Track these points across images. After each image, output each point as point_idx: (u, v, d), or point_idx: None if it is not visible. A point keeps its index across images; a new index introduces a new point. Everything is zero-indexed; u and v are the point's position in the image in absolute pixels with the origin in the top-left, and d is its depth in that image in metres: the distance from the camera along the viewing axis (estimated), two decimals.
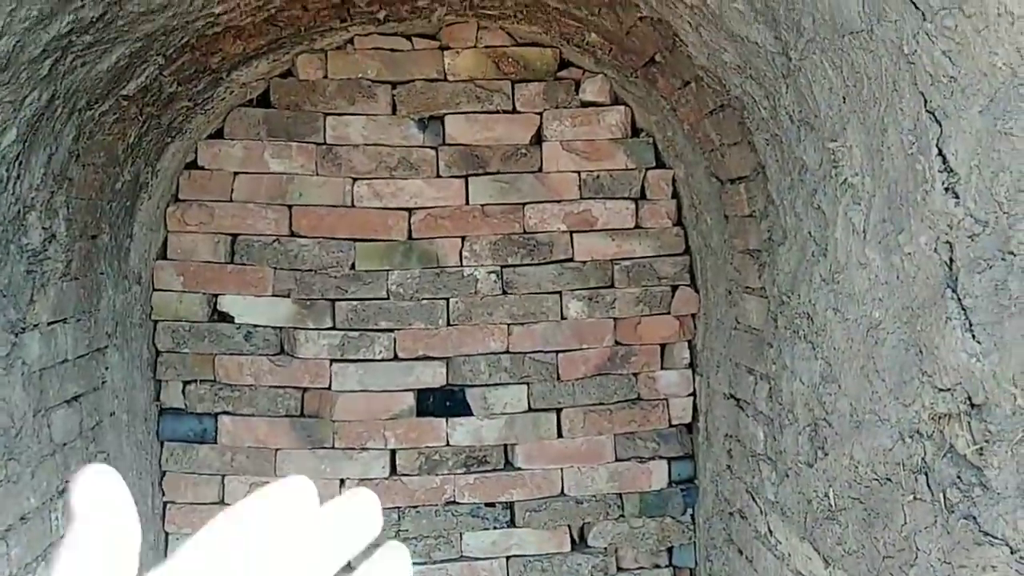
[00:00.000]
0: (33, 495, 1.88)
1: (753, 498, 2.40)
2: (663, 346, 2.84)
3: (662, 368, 2.83)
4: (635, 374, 2.82)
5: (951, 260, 1.41)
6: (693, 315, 2.83)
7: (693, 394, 2.86)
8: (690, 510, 2.86)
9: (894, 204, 1.57)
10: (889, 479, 1.64)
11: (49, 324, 1.98)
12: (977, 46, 1.22)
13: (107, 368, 2.32)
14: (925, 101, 1.39)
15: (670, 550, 2.87)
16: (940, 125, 1.37)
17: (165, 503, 2.66)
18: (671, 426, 2.85)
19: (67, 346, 2.08)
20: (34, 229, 1.88)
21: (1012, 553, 1.30)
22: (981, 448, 1.37)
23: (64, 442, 2.04)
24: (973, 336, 1.36)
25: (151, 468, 2.61)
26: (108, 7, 1.60)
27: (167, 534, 2.67)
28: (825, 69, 1.66)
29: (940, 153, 1.39)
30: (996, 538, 1.33)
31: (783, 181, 2.05)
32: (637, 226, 2.79)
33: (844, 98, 1.65)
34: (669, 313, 2.82)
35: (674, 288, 2.81)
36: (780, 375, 2.17)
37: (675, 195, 2.80)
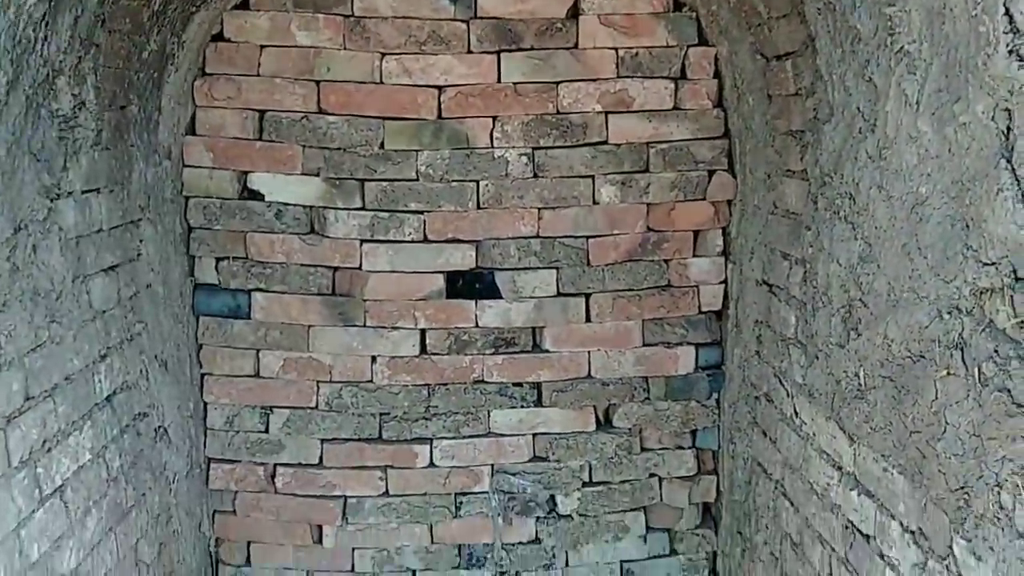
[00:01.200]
0: (76, 357, 1.94)
1: (781, 381, 2.42)
2: (696, 233, 2.80)
3: (694, 255, 2.81)
4: (666, 260, 2.80)
5: (1008, 128, 1.34)
6: (729, 201, 2.77)
7: (725, 281, 2.84)
8: (715, 395, 2.90)
9: (952, 72, 1.48)
10: (923, 356, 1.63)
11: (83, 192, 1.99)
12: None
13: (141, 241, 2.34)
14: None
15: (694, 433, 2.93)
16: None
17: (203, 375, 2.75)
18: (700, 313, 2.85)
19: (102, 216, 2.09)
20: (64, 94, 1.85)
21: None
22: (1022, 322, 1.34)
23: (103, 309, 2.09)
24: None
25: (188, 341, 2.68)
26: None
27: (205, 404, 2.77)
28: None
29: (1007, 12, 1.30)
30: None
31: (834, 53, 1.95)
32: (675, 107, 2.70)
33: None
34: (705, 199, 2.76)
35: (711, 173, 2.75)
36: (816, 258, 2.14)
37: (717, 75, 2.69)
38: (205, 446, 2.77)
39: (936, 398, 1.59)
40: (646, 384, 2.86)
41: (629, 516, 2.93)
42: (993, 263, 1.40)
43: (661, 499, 2.94)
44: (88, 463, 1.98)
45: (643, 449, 2.91)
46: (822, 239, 2.10)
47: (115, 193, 2.17)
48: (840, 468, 2.03)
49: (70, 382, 1.91)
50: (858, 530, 1.92)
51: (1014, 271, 1.35)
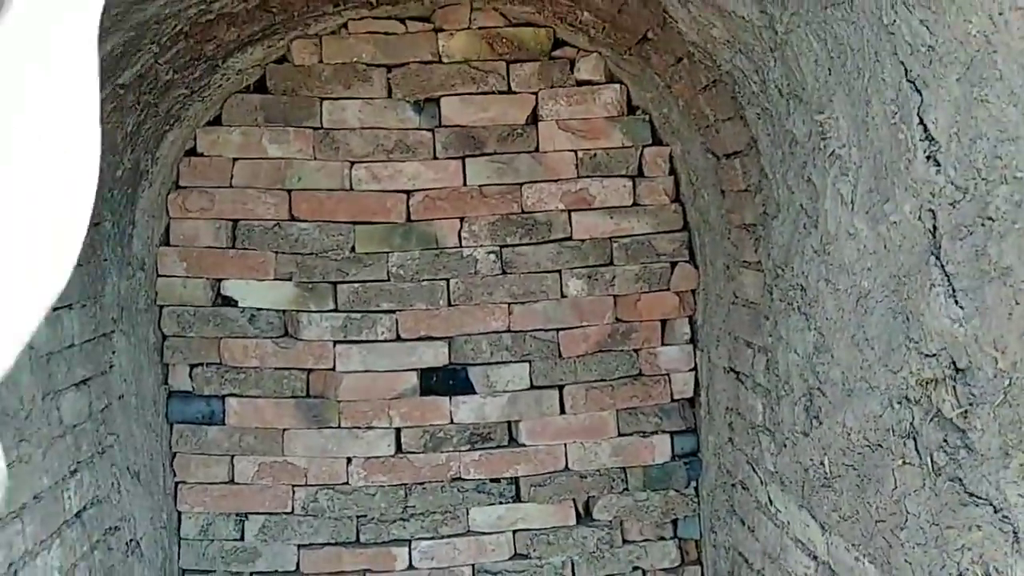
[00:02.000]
0: (45, 475, 1.93)
1: (754, 469, 2.43)
2: (664, 322, 2.86)
3: (663, 344, 2.86)
4: (636, 350, 2.85)
5: (934, 227, 1.42)
6: (693, 291, 2.85)
7: (695, 369, 2.89)
8: (694, 482, 2.90)
9: (880, 174, 1.58)
10: (880, 445, 1.67)
11: (55, 310, 2.03)
12: (952, 14, 1.23)
13: (114, 352, 2.37)
14: (906, 71, 1.40)
15: (675, 522, 2.91)
16: (920, 94, 1.38)
17: (177, 483, 2.73)
18: (673, 401, 2.88)
19: (73, 331, 2.12)
20: None
21: (996, 512, 1.32)
22: (965, 411, 1.39)
23: (74, 424, 2.10)
24: (956, 302, 1.38)
25: (162, 449, 2.67)
26: None
27: (179, 513, 2.73)
28: (810, 42, 1.66)
29: (921, 122, 1.40)
30: (980, 498, 1.35)
31: (775, 154, 2.06)
32: (635, 203, 2.80)
33: (829, 70, 1.66)
34: (669, 289, 2.84)
35: (673, 264, 2.83)
36: (776, 347, 2.20)
37: (672, 172, 2.81)
38: (179, 557, 2.72)
39: (896, 487, 1.62)
40: (624, 475, 2.86)
41: None
42: (934, 354, 1.46)
43: None
44: None
45: (625, 542, 2.88)
46: (779, 329, 2.16)
47: (87, 307, 2.21)
48: (815, 557, 2.03)
49: (38, 500, 1.90)
50: None
51: (953, 363, 1.40)
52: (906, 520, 1.58)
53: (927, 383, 1.49)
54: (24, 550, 1.82)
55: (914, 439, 1.55)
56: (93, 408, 2.22)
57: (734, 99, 2.15)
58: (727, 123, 2.30)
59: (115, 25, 1.81)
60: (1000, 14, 1.14)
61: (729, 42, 1.96)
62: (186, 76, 2.27)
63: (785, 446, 2.17)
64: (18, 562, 1.79)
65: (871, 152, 1.60)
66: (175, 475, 2.72)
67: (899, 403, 1.59)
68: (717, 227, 2.63)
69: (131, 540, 2.40)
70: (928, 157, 1.40)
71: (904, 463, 1.58)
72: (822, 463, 1.96)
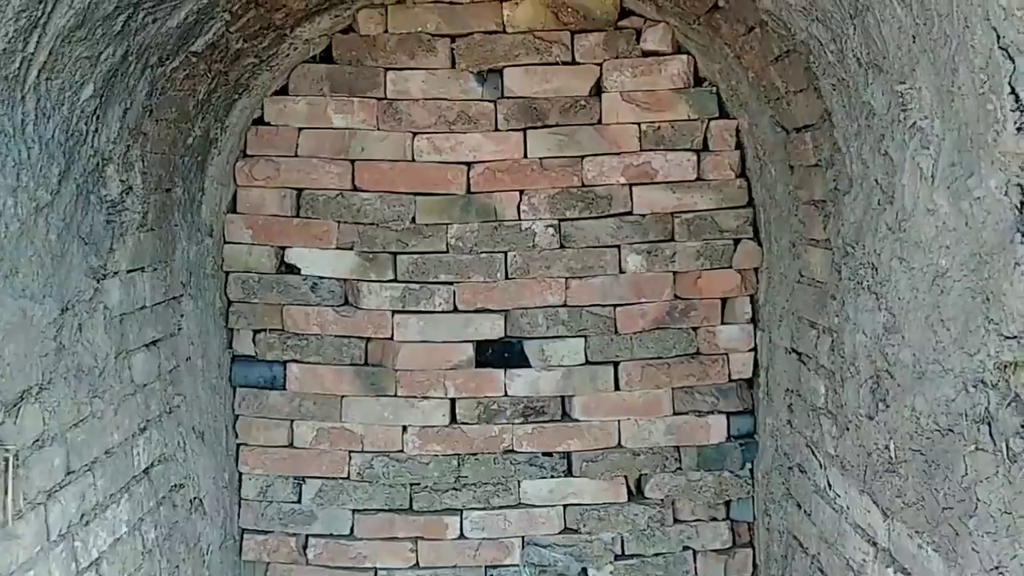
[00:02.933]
0: (116, 431, 2.01)
1: (813, 452, 2.38)
2: (724, 300, 2.81)
3: (723, 323, 2.81)
4: (694, 328, 2.81)
5: (1022, 203, 1.36)
6: (756, 269, 2.79)
7: (754, 349, 2.83)
8: (749, 464, 2.85)
9: (964, 147, 1.51)
10: (951, 430, 1.61)
11: (128, 272, 2.10)
12: None
13: (182, 316, 2.44)
14: (998, 37, 1.33)
15: (728, 504, 2.88)
16: (1013, 61, 1.31)
17: (238, 445, 2.80)
18: (731, 381, 2.83)
19: (145, 293, 2.19)
20: (112, 181, 1.97)
21: None
22: None
23: (144, 383, 2.17)
24: None
25: (225, 412, 2.74)
26: None
27: (240, 474, 2.81)
28: (894, 7, 1.59)
29: (1013, 91, 1.32)
30: None
31: (850, 127, 1.99)
32: (699, 178, 2.75)
33: (914, 37, 1.58)
34: (731, 267, 2.78)
35: (736, 241, 2.77)
36: (843, 327, 2.14)
37: (739, 146, 2.75)
38: (239, 517, 2.81)
39: (966, 474, 1.56)
40: (678, 454, 2.84)
41: None
42: (1015, 336, 1.40)
43: (696, 573, 2.87)
44: (124, 536, 2.02)
45: (676, 521, 2.87)
46: (847, 309, 2.10)
47: (158, 271, 2.28)
48: (875, 544, 1.99)
49: (109, 456, 1.98)
50: None
51: None
52: (976, 508, 1.52)
53: (1006, 366, 1.43)
54: (95, 502, 1.90)
55: (988, 424, 1.48)
56: (162, 368, 2.29)
57: (808, 70, 2.08)
58: (799, 95, 2.23)
59: None
60: None
61: (805, 9, 1.89)
62: (255, 45, 2.30)
63: (848, 429, 2.12)
64: (89, 513, 1.87)
65: (956, 124, 1.52)
66: (237, 437, 2.80)
67: (974, 387, 1.53)
68: (784, 203, 2.56)
69: (194, 498, 2.49)
70: (1019, 128, 1.33)
71: (977, 449, 1.52)
72: (887, 447, 1.90)
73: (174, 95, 2.15)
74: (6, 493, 1.56)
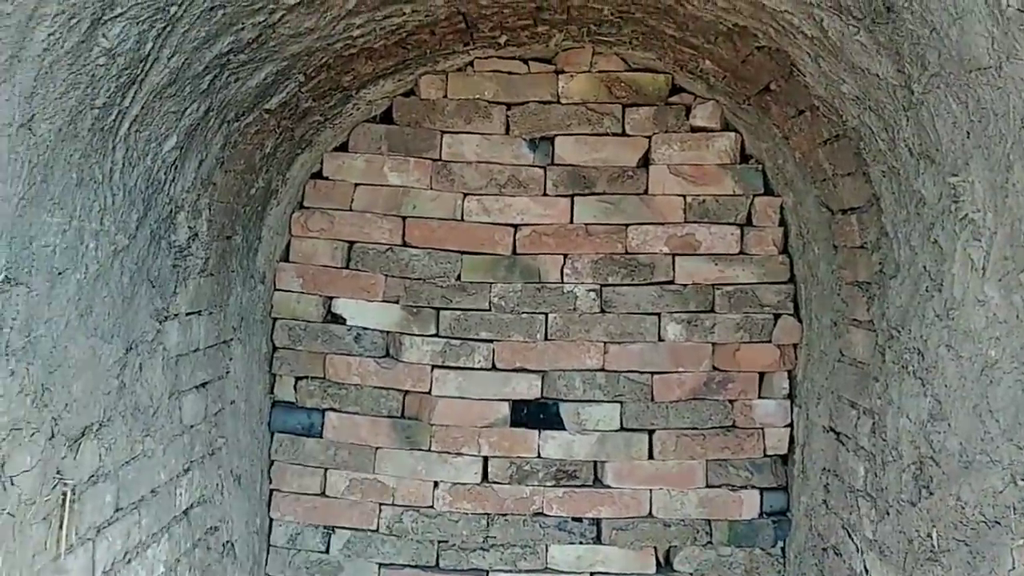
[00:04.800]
0: (163, 471, 2.05)
1: (849, 535, 2.36)
2: (762, 375, 2.82)
3: (760, 397, 2.81)
4: (731, 401, 2.81)
5: None
6: (795, 345, 2.80)
7: (791, 425, 2.82)
8: (781, 543, 2.82)
9: (1017, 241, 1.54)
10: (998, 521, 1.60)
11: (187, 315, 2.17)
12: None
13: (231, 359, 2.50)
14: None
15: None
16: None
17: (272, 490, 2.83)
18: (766, 456, 2.82)
19: (200, 336, 2.26)
20: (182, 227, 2.06)
21: None
22: None
23: (192, 424, 2.22)
24: None
25: (262, 456, 2.78)
26: (263, 30, 1.76)
27: (271, 520, 2.83)
28: (949, 104, 1.65)
29: None
30: None
31: (899, 214, 2.03)
32: (741, 252, 2.79)
33: (968, 133, 1.63)
34: (770, 342, 2.80)
35: (777, 316, 2.80)
36: (885, 410, 2.14)
37: (782, 223, 2.79)
38: (267, 563, 2.81)
39: (1013, 567, 1.55)
40: (709, 527, 2.81)
41: None
42: None
43: None
44: None
45: None
46: (891, 392, 2.10)
47: (214, 315, 2.35)
48: None
49: (155, 495, 2.01)
50: None
51: None
52: None
53: None
54: (138, 541, 1.93)
55: None
56: (209, 411, 2.34)
57: (857, 155, 2.13)
58: (847, 178, 2.28)
59: (271, 55, 1.95)
60: None
61: (858, 98, 1.95)
62: (322, 104, 2.41)
63: (888, 514, 2.10)
64: (132, 552, 1.90)
65: (1009, 219, 1.56)
66: (271, 483, 2.83)
67: (1022, 480, 1.53)
68: (826, 282, 2.59)
69: (227, 541, 2.51)
70: None
71: None
72: (930, 535, 1.88)
73: (244, 148, 2.26)
74: (61, 527, 1.60)
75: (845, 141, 2.18)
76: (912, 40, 1.65)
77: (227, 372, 2.47)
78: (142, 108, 1.65)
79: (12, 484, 1.41)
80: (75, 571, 1.65)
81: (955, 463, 1.77)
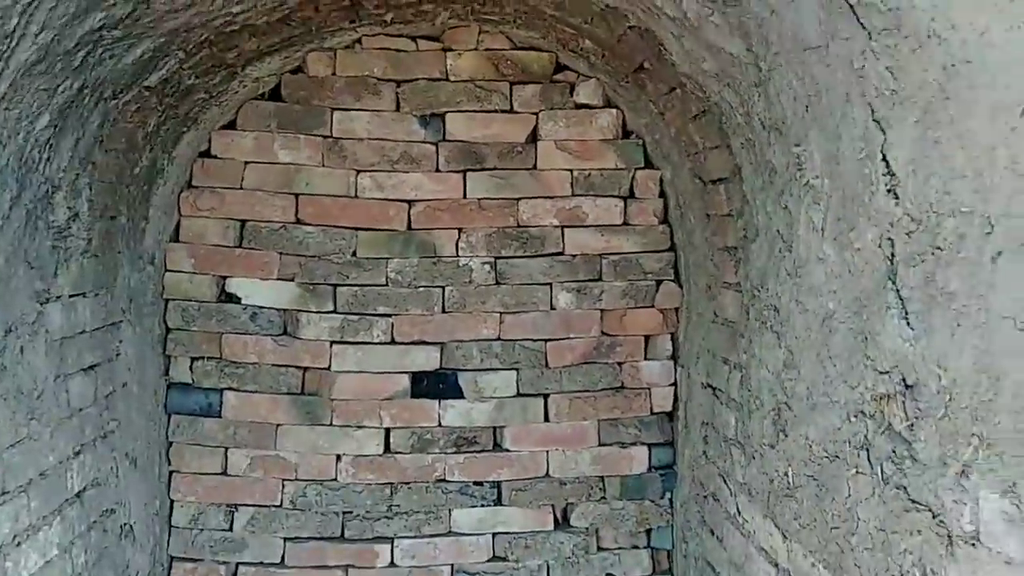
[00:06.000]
0: (52, 454, 2.04)
1: (724, 481, 2.55)
2: (647, 338, 2.99)
3: (645, 359, 2.98)
4: (620, 363, 2.97)
5: (892, 255, 1.56)
6: (676, 309, 2.97)
7: (674, 384, 3.01)
8: (668, 494, 3.01)
9: (847, 204, 1.71)
10: (837, 456, 1.79)
11: (71, 297, 2.14)
12: (912, 63, 1.37)
13: (121, 342, 2.48)
14: (872, 111, 1.54)
15: (648, 532, 3.02)
16: (884, 133, 1.52)
17: (171, 472, 2.82)
18: (653, 414, 3.00)
19: (86, 318, 2.23)
20: (60, 207, 2.03)
21: (934, 518, 1.44)
22: (912, 424, 1.51)
23: (80, 407, 2.20)
24: (908, 323, 1.51)
25: (159, 438, 2.77)
26: (137, 5, 1.76)
27: (172, 501, 2.83)
28: (790, 80, 1.80)
29: (884, 159, 1.53)
30: (921, 505, 1.48)
31: (756, 182, 2.20)
32: (625, 223, 2.94)
33: (806, 107, 1.80)
34: (653, 306, 2.96)
35: (659, 283, 2.96)
36: (750, 364, 2.32)
37: (662, 194, 2.95)
38: (168, 544, 2.81)
39: (849, 495, 1.74)
40: (602, 483, 2.97)
41: None
42: (887, 372, 1.59)
43: None
44: (55, 558, 2.04)
45: (600, 548, 2.99)
46: (754, 346, 2.29)
47: (100, 297, 2.32)
48: (777, 565, 2.15)
49: (44, 478, 2.00)
50: None
51: (903, 379, 1.53)
52: (857, 526, 1.70)
53: (881, 398, 1.62)
54: (28, 524, 1.92)
55: (867, 450, 1.67)
56: (99, 393, 2.32)
57: (721, 129, 2.29)
58: (714, 151, 2.44)
59: (147, 31, 1.94)
60: (952, 65, 1.28)
61: (718, 75, 2.10)
62: (206, 82, 2.40)
63: (754, 458, 2.29)
64: (22, 534, 1.89)
65: (840, 184, 1.73)
66: (170, 464, 2.82)
67: (855, 417, 1.71)
68: (701, 249, 2.77)
69: (125, 524, 2.50)
70: (889, 190, 1.54)
71: (857, 473, 1.70)
72: (786, 474, 2.08)
73: (125, 126, 2.23)
74: None
75: (710, 116, 2.33)
76: (757, 21, 1.80)
77: (117, 355, 2.45)
78: (10, 86, 1.63)
79: None
80: None
81: (803, 406, 1.96)
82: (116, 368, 2.44)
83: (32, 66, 1.65)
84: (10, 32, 1.53)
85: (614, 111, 2.90)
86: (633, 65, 2.56)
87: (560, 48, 2.79)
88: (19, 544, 1.87)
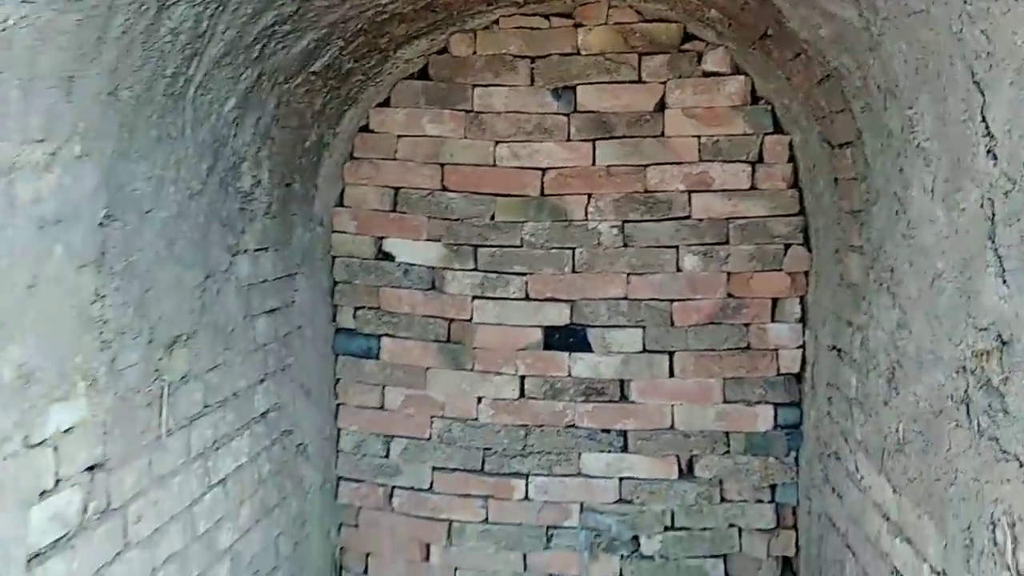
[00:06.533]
0: (242, 379, 2.47)
1: (845, 439, 2.60)
2: (775, 300, 3.04)
3: (773, 321, 3.04)
4: (746, 325, 3.05)
5: (992, 215, 1.59)
6: (805, 272, 3.00)
7: (802, 346, 3.04)
8: (794, 452, 3.06)
9: (954, 166, 1.74)
10: (941, 411, 1.84)
11: (255, 251, 2.56)
12: (1004, 27, 1.41)
13: (296, 290, 2.90)
14: (972, 73, 1.57)
15: (773, 487, 3.10)
16: (983, 95, 1.55)
17: (338, 404, 3.25)
18: (779, 375, 3.05)
19: (267, 269, 2.65)
20: (246, 176, 2.44)
21: (1020, 467, 1.50)
22: (1006, 378, 1.56)
23: (264, 343, 2.63)
24: (1004, 282, 1.55)
25: (328, 375, 3.20)
26: (301, 3, 2.08)
27: (339, 429, 3.26)
28: (900, 44, 1.83)
29: (983, 120, 1.57)
30: (1010, 455, 1.53)
31: (875, 145, 2.22)
32: (753, 187, 3.00)
33: (916, 70, 1.82)
34: (781, 270, 3.01)
35: (787, 246, 3.00)
36: (868, 324, 2.36)
37: (791, 159, 2.97)
38: (336, 465, 3.26)
39: (949, 448, 1.79)
40: (727, 438, 3.09)
41: (709, 563, 3.12)
42: (985, 328, 1.63)
43: (740, 549, 3.11)
44: (245, 464, 2.49)
45: (723, 500, 3.11)
46: (872, 307, 2.32)
47: (279, 252, 2.74)
48: (887, 518, 2.21)
49: (236, 397, 2.44)
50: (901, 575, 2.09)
51: (999, 335, 1.58)
52: (955, 478, 1.76)
53: (980, 354, 1.66)
54: (224, 433, 2.36)
55: (967, 405, 1.72)
56: (279, 332, 2.75)
57: (842, 93, 2.32)
58: (839, 115, 2.46)
59: (311, 25, 2.27)
60: None
61: (835, 41, 2.14)
62: (363, 65, 2.73)
63: (870, 416, 2.34)
64: (220, 441, 2.34)
65: (948, 146, 1.76)
66: (337, 397, 3.25)
67: (957, 373, 1.76)
68: (830, 212, 2.78)
69: (300, 444, 2.94)
70: (988, 151, 1.57)
71: (957, 426, 1.75)
72: (897, 430, 2.13)
73: (296, 107, 2.61)
74: (161, 414, 2.03)
75: (833, 81, 2.36)
76: None
77: (293, 301, 2.88)
78: (204, 75, 2.00)
79: (122, 375, 1.83)
80: (175, 450, 2.09)
81: (913, 364, 2.00)
82: (292, 313, 2.87)
83: (221, 58, 2.02)
84: (203, 32, 1.88)
85: (742, 78, 2.95)
86: (758, 32, 2.61)
87: (687, 18, 2.88)
88: (217, 449, 2.32)
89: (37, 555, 1.59)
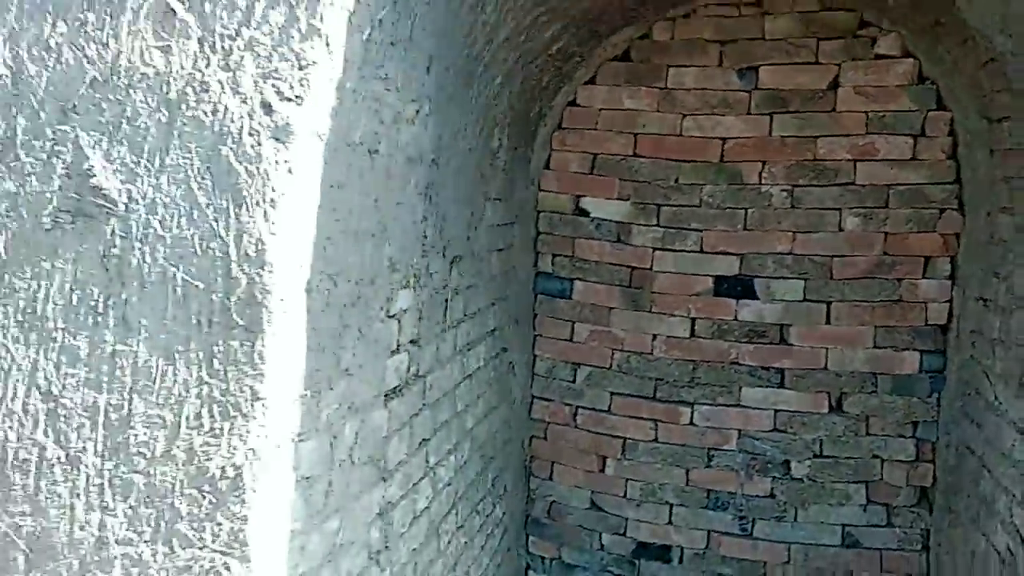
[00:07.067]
0: (482, 300, 3.14)
1: (986, 375, 3.01)
2: (927, 259, 3.43)
3: (924, 277, 3.44)
4: (899, 280, 3.46)
5: None
6: (957, 234, 3.38)
7: (950, 301, 3.43)
8: (936, 394, 3.47)
9: None
10: None
11: (495, 199, 3.22)
12: None
13: (514, 236, 3.55)
14: None
15: (915, 424, 3.51)
16: None
17: (535, 335, 3.90)
18: (927, 325, 3.45)
19: (499, 215, 3.31)
20: (494, 139, 3.09)
21: None
22: None
23: (494, 275, 3.29)
24: None
25: (528, 310, 3.85)
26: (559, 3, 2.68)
27: (535, 356, 3.91)
28: None
29: None
30: None
31: None
32: (913, 158, 3.40)
33: None
34: (935, 231, 3.40)
35: (942, 211, 3.39)
36: (1014, 272, 2.76)
37: (951, 134, 3.36)
38: (532, 386, 3.91)
39: None
40: (874, 379, 3.52)
41: (852, 487, 3.57)
42: None
43: (882, 477, 3.55)
44: (481, 367, 3.16)
45: (868, 433, 3.55)
46: (1020, 257, 2.73)
47: (506, 203, 3.39)
48: (1022, 432, 2.63)
49: (480, 313, 3.11)
50: None
51: None
52: None
53: None
54: (468, 341, 3.04)
55: None
56: (503, 268, 3.41)
57: (1005, 75, 2.72)
58: (999, 94, 2.86)
59: (556, 16, 2.88)
60: None
61: (1001, 29, 2.55)
62: (582, 48, 3.32)
63: (1011, 349, 2.75)
64: (472, 343, 3.01)
65: None
66: (535, 330, 3.90)
67: None
68: (984, 181, 3.16)
69: (510, 363, 3.61)
70: None
71: None
72: None
73: (531, 83, 3.23)
74: (445, 313, 2.71)
75: (997, 64, 2.76)
76: None
77: (511, 245, 3.53)
78: (491, 55, 2.65)
79: (431, 278, 2.51)
80: (448, 343, 2.77)
81: None
82: (511, 254, 3.52)
83: (503, 42, 2.66)
84: (498, 22, 2.51)
85: (911, 60, 3.35)
86: (930, 20, 3.03)
87: (865, 7, 3.31)
88: (469, 349, 3.00)
89: (387, 394, 2.29)
